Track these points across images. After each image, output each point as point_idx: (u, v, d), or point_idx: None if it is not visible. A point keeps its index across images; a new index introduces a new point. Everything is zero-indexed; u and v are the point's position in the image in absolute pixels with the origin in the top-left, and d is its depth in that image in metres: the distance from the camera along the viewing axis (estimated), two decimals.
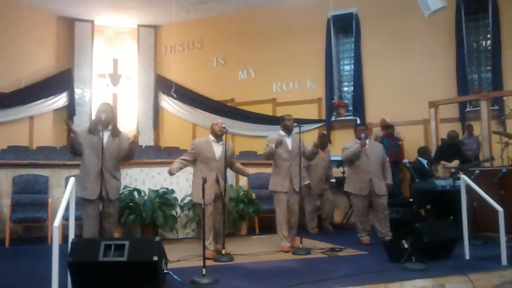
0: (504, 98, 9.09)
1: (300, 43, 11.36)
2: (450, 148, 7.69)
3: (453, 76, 9.95)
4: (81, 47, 12.53)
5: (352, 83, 11.07)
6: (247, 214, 7.11)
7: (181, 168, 5.46)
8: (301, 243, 5.55)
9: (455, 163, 7.38)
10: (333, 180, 7.67)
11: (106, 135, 4.68)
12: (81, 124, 11.84)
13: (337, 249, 5.58)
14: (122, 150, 4.82)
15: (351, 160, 6.23)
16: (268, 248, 5.73)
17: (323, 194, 7.50)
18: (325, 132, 10.47)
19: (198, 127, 12.39)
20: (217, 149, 5.42)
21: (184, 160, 5.48)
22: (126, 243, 3.72)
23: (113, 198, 4.80)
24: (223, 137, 5.43)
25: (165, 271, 3.86)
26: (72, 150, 4.83)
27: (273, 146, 5.59)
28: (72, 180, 4.07)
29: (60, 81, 12.08)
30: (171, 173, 5.38)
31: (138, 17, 12.67)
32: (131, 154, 4.94)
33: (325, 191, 7.51)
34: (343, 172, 7.98)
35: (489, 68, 10.07)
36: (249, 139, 11.57)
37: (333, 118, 10.96)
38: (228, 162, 5.48)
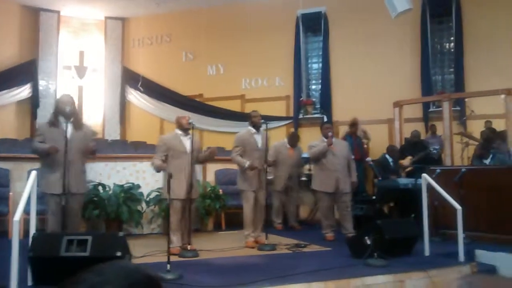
0: (466, 99, 9.37)
1: (269, 41, 11.40)
2: (413, 147, 7.89)
3: (418, 77, 10.19)
4: (46, 38, 12.20)
5: (320, 81, 11.19)
6: (214, 209, 7.11)
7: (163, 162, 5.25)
8: (266, 238, 5.60)
9: (408, 159, 7.58)
10: (304, 178, 7.76)
11: (69, 128, 4.59)
12: (45, 116, 11.57)
13: (302, 245, 5.65)
14: (87, 143, 4.76)
15: (317, 158, 6.31)
16: (234, 244, 5.74)
17: (287, 191, 7.55)
18: (293, 130, 10.55)
19: (166, 121, 12.26)
20: (187, 143, 5.36)
21: (159, 159, 5.29)
22: (89, 238, 3.68)
23: (79, 192, 4.73)
24: (190, 131, 5.37)
25: None
26: (38, 152, 4.72)
27: (246, 165, 5.64)
28: (33, 173, 3.99)
29: (24, 72, 11.74)
30: (161, 169, 5.23)
31: (105, 9, 12.43)
32: (95, 149, 4.88)
33: (290, 188, 7.55)
34: (310, 169, 8.07)
35: (452, 70, 10.34)
36: (217, 135, 11.54)
37: (300, 116, 11.06)
38: (196, 156, 5.43)
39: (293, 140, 7.68)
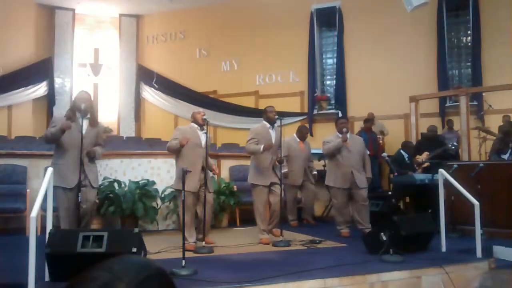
0: (483, 93, 9.24)
1: (284, 36, 11.36)
2: (429, 142, 7.81)
3: (434, 71, 10.07)
4: (61, 36, 12.34)
5: (335, 76, 11.13)
6: (228, 206, 7.12)
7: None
8: (281, 235, 5.58)
9: (425, 155, 7.50)
10: (315, 172, 7.70)
11: (84, 124, 4.63)
12: (61, 113, 11.70)
13: (317, 241, 5.61)
14: (98, 140, 4.81)
15: (332, 154, 6.26)
16: (249, 240, 5.73)
17: (304, 186, 7.52)
18: (306, 125, 10.51)
19: (180, 118, 12.31)
20: (202, 137, 5.36)
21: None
22: (105, 234, 3.70)
23: (95, 185, 4.78)
24: (205, 126, 5.37)
25: None
26: (50, 137, 4.68)
27: (261, 148, 5.54)
28: (50, 170, 4.01)
29: (40, 70, 11.90)
30: (181, 144, 5.16)
31: (120, 6, 12.51)
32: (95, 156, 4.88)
33: (306, 183, 7.52)
34: (324, 165, 8.02)
35: (469, 64, 10.22)
36: (231, 131, 11.56)
37: (315, 112, 11.02)
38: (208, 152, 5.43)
39: (302, 133, 7.64)
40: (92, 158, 4.82)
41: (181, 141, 5.10)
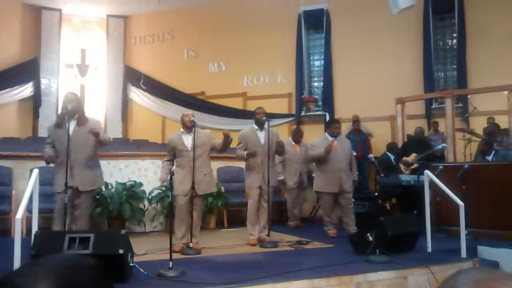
0: (468, 96, 9.34)
1: (271, 38, 11.38)
2: (416, 144, 7.88)
3: (420, 73, 10.16)
4: (48, 36, 12.21)
5: (322, 78, 11.17)
6: (216, 207, 7.11)
7: (170, 170, 5.19)
8: (268, 235, 5.60)
9: (413, 156, 7.57)
10: (314, 175, 7.73)
11: (72, 125, 4.61)
12: (47, 114, 11.61)
13: (304, 242, 5.64)
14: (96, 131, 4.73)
15: (315, 161, 6.35)
16: (236, 241, 5.74)
17: (300, 188, 7.53)
18: (295, 127, 10.55)
19: (168, 119, 12.27)
20: (187, 141, 5.39)
21: (168, 161, 5.49)
22: (91, 236, 3.68)
23: (84, 189, 4.74)
24: (193, 129, 5.39)
25: (131, 264, 3.83)
26: (48, 160, 4.74)
27: (244, 155, 5.68)
28: (35, 172, 3.99)
29: (26, 70, 11.76)
30: (163, 181, 5.47)
31: (107, 7, 12.43)
32: (105, 138, 4.85)
33: (302, 184, 7.53)
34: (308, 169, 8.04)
35: (454, 66, 10.32)
36: (219, 133, 11.48)
37: (302, 113, 11.05)
38: (212, 146, 5.49)
39: (297, 136, 7.67)
40: (96, 134, 4.70)
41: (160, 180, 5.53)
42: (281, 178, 6.85)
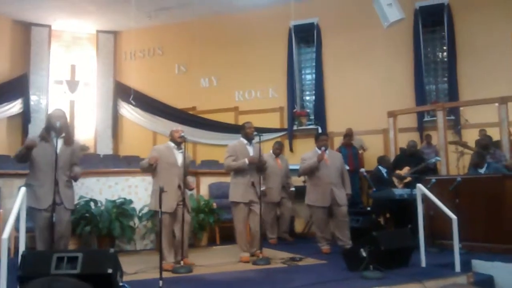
0: (460, 108, 9.38)
1: (262, 52, 11.41)
2: (409, 157, 7.86)
3: (411, 86, 10.21)
4: (37, 53, 12.14)
5: (314, 92, 11.19)
6: (208, 224, 7.01)
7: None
8: (261, 252, 5.52)
9: (406, 169, 7.55)
10: (293, 189, 7.67)
11: (59, 143, 4.51)
12: (37, 131, 11.48)
13: (297, 259, 5.56)
14: (74, 159, 4.69)
15: (306, 174, 6.29)
16: (229, 258, 5.65)
17: (281, 203, 7.47)
18: (286, 140, 10.52)
19: (159, 135, 12.19)
20: (178, 156, 5.32)
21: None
22: (80, 255, 3.58)
23: (69, 207, 4.65)
24: (183, 145, 5.33)
25: (121, 284, 3.74)
26: (20, 157, 4.55)
27: (246, 161, 5.60)
28: (22, 190, 3.91)
29: (15, 87, 11.67)
30: (150, 163, 5.15)
31: (97, 22, 12.41)
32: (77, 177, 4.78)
33: (284, 199, 7.48)
34: (304, 181, 7.99)
35: (445, 79, 10.38)
36: (211, 148, 11.50)
37: (294, 127, 11.04)
38: (186, 171, 5.38)
39: (277, 149, 7.62)
40: (75, 180, 4.73)
41: (150, 160, 5.12)
42: (263, 188, 6.74)
